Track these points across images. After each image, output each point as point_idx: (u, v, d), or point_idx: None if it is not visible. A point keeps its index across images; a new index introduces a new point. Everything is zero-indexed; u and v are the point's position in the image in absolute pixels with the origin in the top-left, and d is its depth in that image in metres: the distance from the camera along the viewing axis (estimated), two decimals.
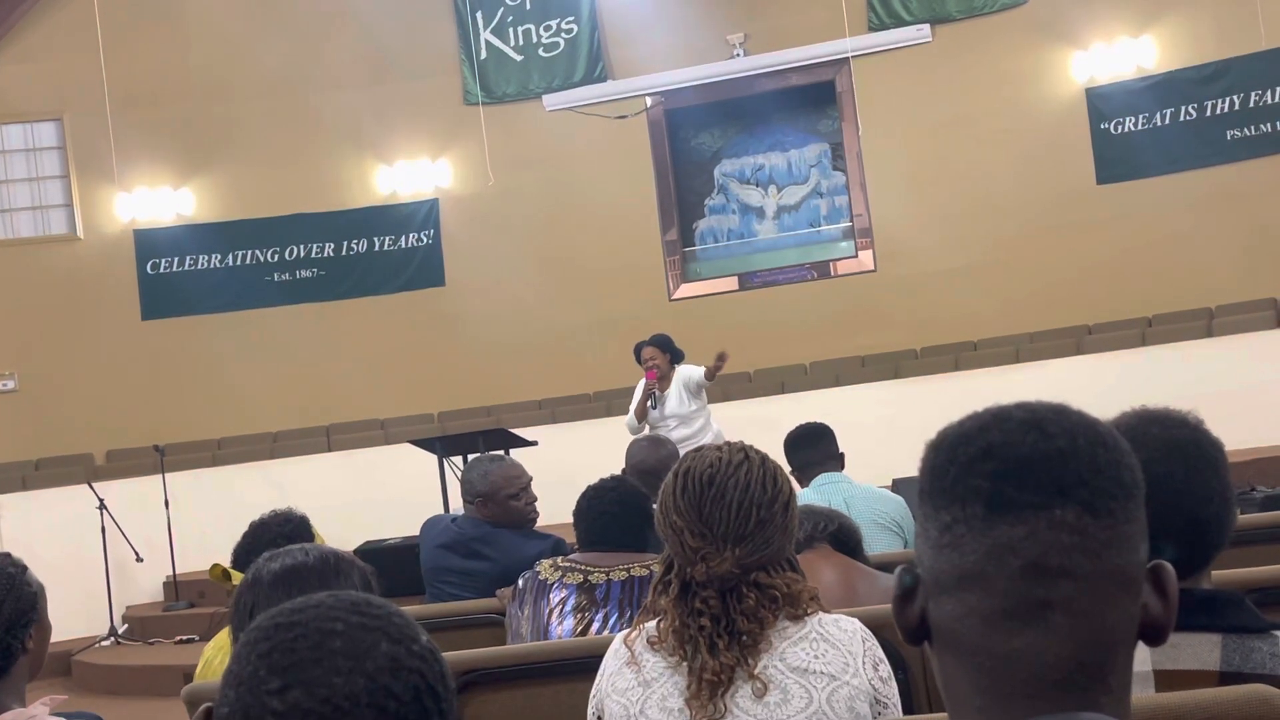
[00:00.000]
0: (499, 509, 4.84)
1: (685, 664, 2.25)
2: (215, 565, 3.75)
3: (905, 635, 1.13)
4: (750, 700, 2.19)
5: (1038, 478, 1.06)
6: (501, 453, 5.30)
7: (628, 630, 2.42)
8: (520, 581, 3.72)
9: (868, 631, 2.32)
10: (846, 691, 2.19)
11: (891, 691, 2.26)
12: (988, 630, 1.06)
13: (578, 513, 3.79)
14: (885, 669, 2.28)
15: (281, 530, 3.68)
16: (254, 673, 1.08)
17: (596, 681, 2.42)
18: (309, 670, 1.07)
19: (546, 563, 3.69)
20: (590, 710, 2.41)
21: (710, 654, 2.22)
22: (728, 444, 2.44)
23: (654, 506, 2.48)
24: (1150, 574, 1.10)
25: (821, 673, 2.20)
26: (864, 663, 2.24)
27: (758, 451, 2.43)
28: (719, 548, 2.27)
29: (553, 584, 3.56)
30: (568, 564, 3.64)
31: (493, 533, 4.80)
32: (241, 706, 1.08)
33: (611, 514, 3.71)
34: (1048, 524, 1.05)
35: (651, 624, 2.36)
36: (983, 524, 1.06)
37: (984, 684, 1.06)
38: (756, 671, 2.20)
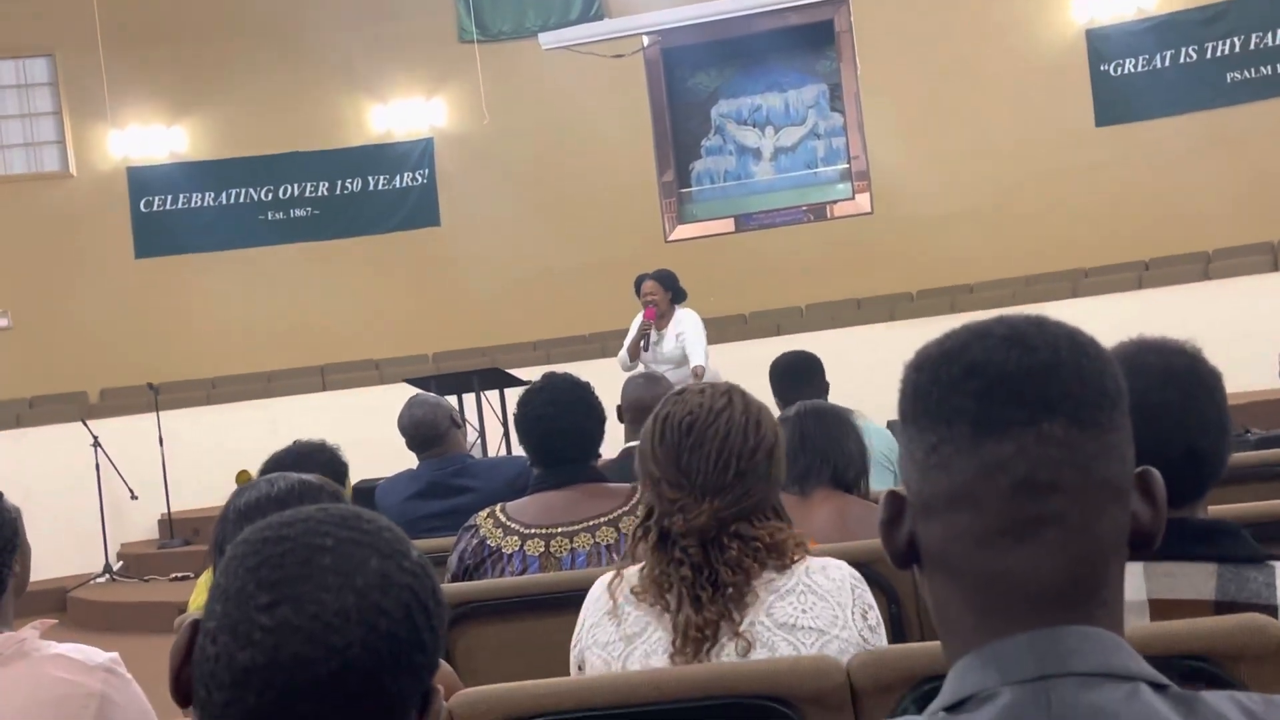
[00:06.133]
0: (454, 440, 4.86)
1: (668, 616, 2.18)
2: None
3: (894, 559, 1.12)
4: (736, 659, 2.13)
5: (1023, 393, 1.04)
6: (418, 393, 5.21)
7: (610, 574, 2.32)
8: (460, 542, 3.34)
9: (857, 576, 2.25)
10: (836, 646, 2.13)
11: (880, 640, 2.21)
12: (979, 549, 1.04)
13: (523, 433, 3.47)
14: (874, 615, 2.22)
15: (317, 458, 3.43)
16: (242, 588, 1.07)
17: (577, 630, 2.35)
18: (298, 586, 1.06)
19: (489, 522, 3.32)
20: (573, 660, 2.35)
21: (694, 608, 2.15)
22: (712, 386, 2.33)
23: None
24: (1138, 480, 1.09)
25: (809, 628, 2.14)
26: (853, 613, 2.18)
27: (743, 395, 2.32)
28: (697, 499, 2.19)
29: (511, 553, 3.26)
30: (520, 527, 3.29)
31: (466, 464, 4.79)
32: (229, 622, 1.06)
33: (552, 447, 3.40)
34: (1036, 439, 1.03)
35: (633, 571, 2.28)
36: (970, 443, 1.04)
37: (976, 603, 1.05)
38: (742, 629, 2.14)
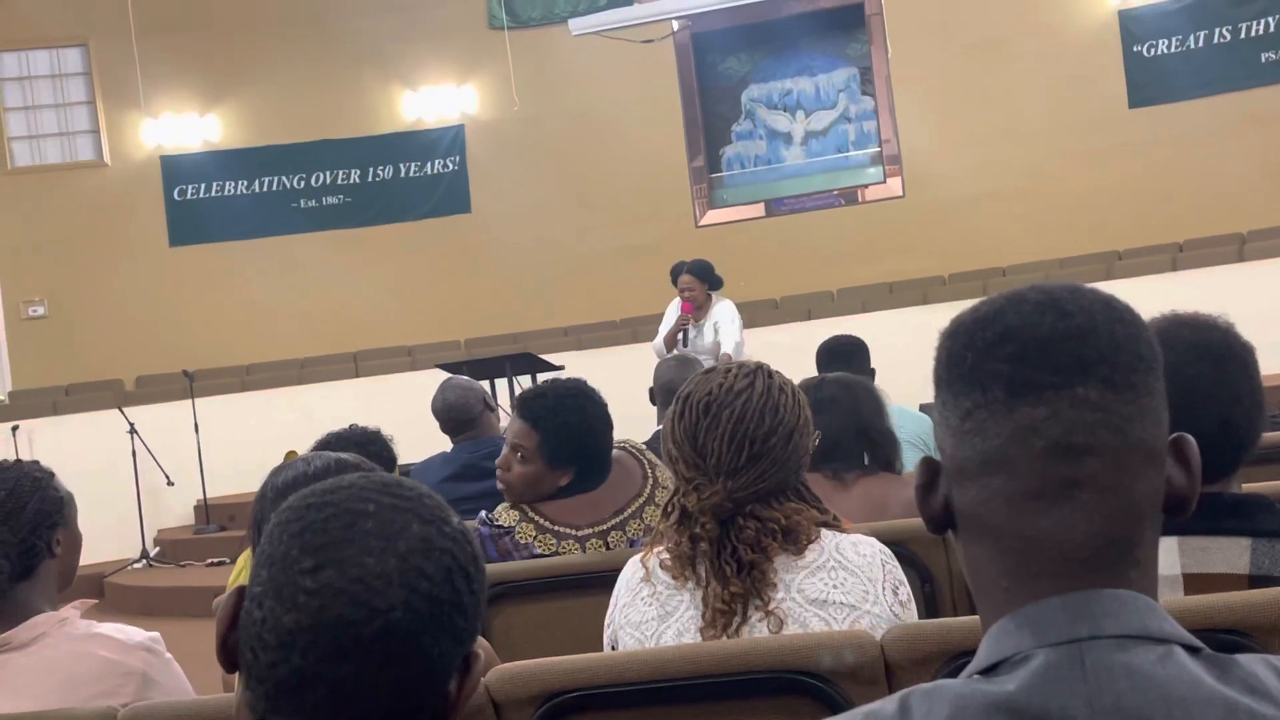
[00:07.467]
0: (487, 423, 4.86)
1: (700, 592, 2.19)
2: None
3: (929, 524, 1.13)
4: (768, 635, 2.14)
5: (1057, 358, 1.05)
6: (450, 377, 5.20)
7: (641, 552, 2.33)
8: (490, 549, 3.26)
9: (888, 552, 2.25)
10: (867, 621, 2.14)
11: (910, 615, 2.21)
12: (1013, 512, 1.05)
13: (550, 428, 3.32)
14: (905, 591, 2.23)
15: (368, 448, 3.41)
16: (286, 552, 1.10)
17: (610, 612, 2.36)
18: (341, 550, 1.08)
19: (528, 528, 3.25)
20: (606, 640, 2.37)
21: (720, 583, 2.16)
22: (739, 366, 2.31)
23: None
24: (1173, 446, 1.09)
25: (841, 603, 2.15)
26: (884, 589, 2.18)
27: (768, 377, 2.29)
28: (710, 479, 2.19)
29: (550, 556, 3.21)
30: (572, 530, 3.23)
31: (500, 447, 4.81)
32: (274, 586, 1.09)
33: (601, 454, 3.31)
34: (1070, 403, 1.04)
35: (662, 547, 2.28)
36: (1004, 407, 1.05)
37: (1010, 566, 1.05)
38: (772, 607, 2.15)
